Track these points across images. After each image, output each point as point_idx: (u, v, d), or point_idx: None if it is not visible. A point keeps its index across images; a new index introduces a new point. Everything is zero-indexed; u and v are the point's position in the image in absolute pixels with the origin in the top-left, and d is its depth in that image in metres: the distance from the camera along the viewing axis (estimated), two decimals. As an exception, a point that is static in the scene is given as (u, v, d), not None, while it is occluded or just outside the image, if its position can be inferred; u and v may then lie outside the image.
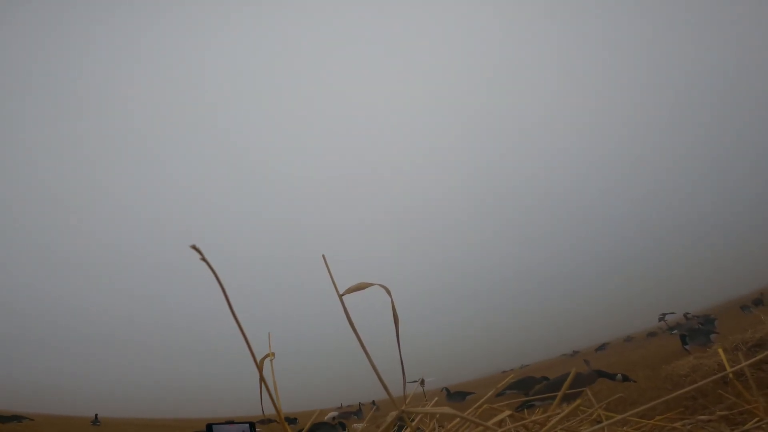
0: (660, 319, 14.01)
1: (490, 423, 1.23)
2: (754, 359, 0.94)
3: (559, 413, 1.37)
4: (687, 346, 6.66)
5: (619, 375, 4.67)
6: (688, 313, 11.32)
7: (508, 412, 1.27)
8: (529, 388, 6.51)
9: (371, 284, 1.32)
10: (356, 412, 11.00)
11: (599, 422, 1.44)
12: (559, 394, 1.28)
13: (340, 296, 1.25)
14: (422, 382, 12.44)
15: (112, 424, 14.37)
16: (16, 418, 11.26)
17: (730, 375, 0.96)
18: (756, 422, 1.03)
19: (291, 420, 9.80)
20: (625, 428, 1.45)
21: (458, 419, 1.43)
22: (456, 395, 9.03)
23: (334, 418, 10.07)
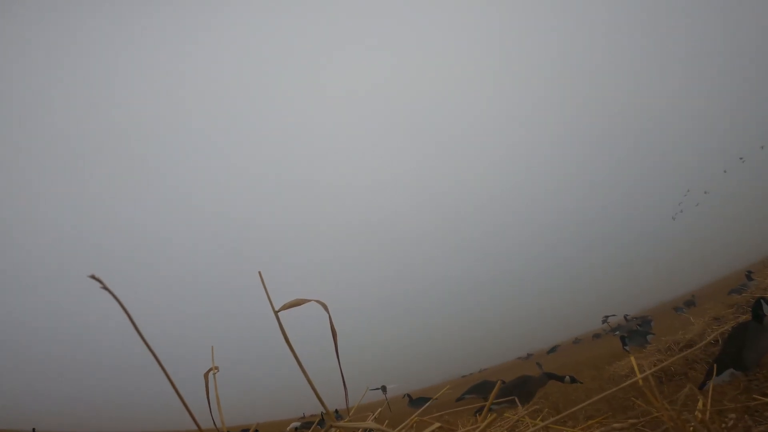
0: (603, 321, 14.93)
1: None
2: (657, 367, 1.11)
3: (491, 422, 1.50)
4: (627, 347, 7.18)
5: (567, 377, 4.99)
6: (627, 315, 12.16)
7: (437, 424, 1.37)
8: (488, 391, 6.79)
9: (308, 300, 1.37)
10: (319, 422, 10.90)
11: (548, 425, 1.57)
12: (487, 404, 1.41)
13: (276, 313, 1.29)
14: (384, 389, 12.52)
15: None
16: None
17: (640, 382, 1.12)
18: (663, 430, 1.17)
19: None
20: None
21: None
22: (418, 401, 9.20)
23: (296, 428, 9.93)
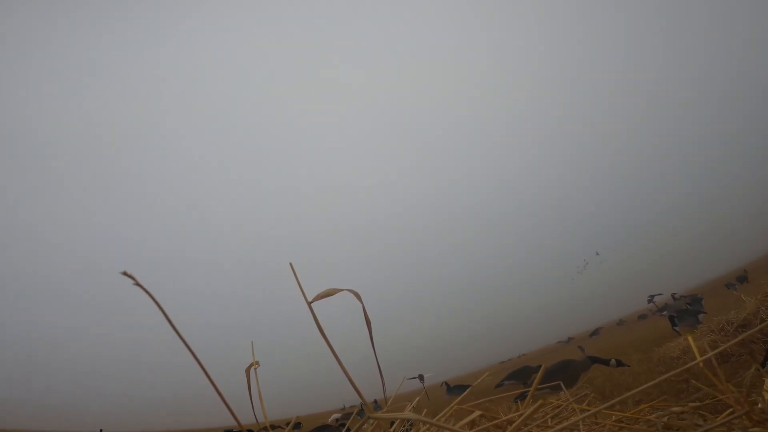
0: (649, 301, 14.22)
1: (460, 425, 1.25)
2: (720, 348, 1.00)
3: (539, 409, 1.42)
4: (677, 328, 6.81)
5: (612, 360, 4.78)
6: (675, 294, 11.51)
7: (479, 412, 1.28)
8: (527, 377, 6.64)
9: (340, 290, 1.33)
10: (359, 413, 11.06)
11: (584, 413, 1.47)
12: (531, 389, 1.33)
13: (309, 303, 1.26)
14: (421, 378, 12.53)
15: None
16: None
17: (701, 364, 1.02)
18: (729, 413, 1.06)
19: (295, 424, 9.80)
20: (600, 421, 1.45)
21: (434, 421, 1.47)
22: (456, 389, 9.15)
23: (337, 419, 10.11)
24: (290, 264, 1.37)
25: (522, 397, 4.22)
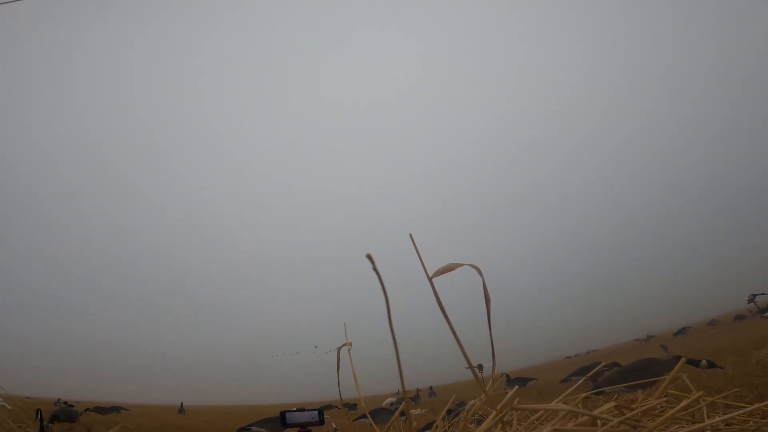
0: (749, 301, 12.59)
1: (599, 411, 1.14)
2: None
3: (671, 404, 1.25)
4: (785, 330, 5.87)
5: (703, 361, 4.20)
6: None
7: (613, 403, 1.17)
8: (598, 374, 6.10)
9: (460, 264, 1.29)
10: (414, 398, 11.00)
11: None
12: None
13: (430, 279, 1.21)
14: (480, 368, 12.18)
15: (196, 412, 15.76)
16: (115, 409, 12.68)
17: None
18: None
19: (351, 406, 10.04)
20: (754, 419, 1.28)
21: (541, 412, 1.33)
22: (516, 382, 8.72)
23: (392, 404, 10.15)
24: (410, 235, 1.30)
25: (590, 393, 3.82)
